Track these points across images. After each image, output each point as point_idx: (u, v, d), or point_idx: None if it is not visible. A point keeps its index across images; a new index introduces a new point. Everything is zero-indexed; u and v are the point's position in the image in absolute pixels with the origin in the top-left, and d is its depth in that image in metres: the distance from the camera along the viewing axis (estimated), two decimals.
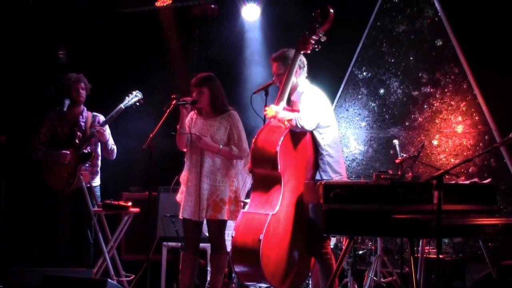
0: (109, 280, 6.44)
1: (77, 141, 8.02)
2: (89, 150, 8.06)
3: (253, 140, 6.72)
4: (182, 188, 7.24)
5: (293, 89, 6.90)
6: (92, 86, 8.27)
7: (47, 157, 8.04)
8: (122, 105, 8.10)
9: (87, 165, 8.08)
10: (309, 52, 6.79)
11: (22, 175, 8.79)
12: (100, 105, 8.45)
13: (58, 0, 9.70)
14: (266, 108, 6.79)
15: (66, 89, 8.13)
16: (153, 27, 9.78)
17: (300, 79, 6.92)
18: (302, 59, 6.90)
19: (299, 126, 6.61)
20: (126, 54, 9.86)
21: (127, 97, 8.14)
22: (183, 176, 7.26)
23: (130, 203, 8.11)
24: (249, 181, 7.36)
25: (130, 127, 8.75)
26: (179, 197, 7.25)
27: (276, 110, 6.70)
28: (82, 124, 8.14)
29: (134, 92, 8.17)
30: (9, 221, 7.83)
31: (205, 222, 7.26)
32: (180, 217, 7.23)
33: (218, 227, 7.13)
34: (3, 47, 9.51)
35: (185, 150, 7.30)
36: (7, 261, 7.60)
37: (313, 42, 6.73)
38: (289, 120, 6.62)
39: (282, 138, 6.55)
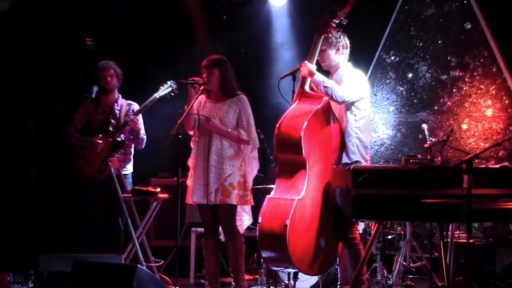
0: (139, 265, 6.46)
1: (110, 128, 8.06)
2: (123, 138, 8.09)
3: (277, 125, 6.68)
4: (191, 172, 7.23)
5: (334, 69, 6.86)
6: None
7: (81, 144, 8.08)
8: (156, 95, 8.10)
9: (119, 152, 8.12)
10: (330, 36, 6.74)
11: (53, 162, 8.84)
12: (127, 92, 8.46)
13: None
14: (302, 64, 6.75)
15: (95, 76, 8.16)
16: (179, 12, 9.76)
17: (341, 59, 6.87)
18: (345, 41, 6.86)
19: (334, 96, 6.55)
20: (153, 40, 9.86)
21: (161, 87, 8.13)
22: (191, 160, 7.25)
23: (159, 189, 8.13)
24: (256, 167, 7.32)
25: (158, 113, 8.75)
26: (189, 181, 7.25)
27: (311, 69, 6.66)
28: (117, 112, 8.17)
29: (168, 82, 8.15)
30: (39, 208, 7.88)
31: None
32: (189, 201, 7.23)
33: (228, 212, 7.12)
34: (31, 35, 9.56)
35: (191, 133, 7.28)
36: (37, 247, 7.65)
37: (334, 25, 6.68)
38: (325, 87, 6.57)
39: (306, 123, 6.51)
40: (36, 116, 7.63)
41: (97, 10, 9.66)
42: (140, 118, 8.17)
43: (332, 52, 6.84)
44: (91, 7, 9.65)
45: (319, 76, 6.66)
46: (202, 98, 7.28)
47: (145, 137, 8.22)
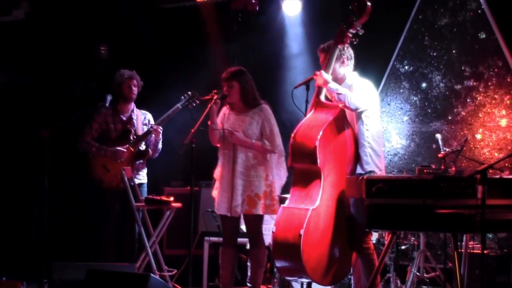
0: (152, 274, 6.46)
1: (131, 138, 8.08)
2: (145, 147, 8.12)
3: (292, 135, 6.69)
4: (217, 184, 7.24)
5: (341, 81, 6.86)
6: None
7: (101, 153, 8.09)
8: (179, 105, 8.16)
9: (141, 162, 8.15)
10: (346, 45, 6.76)
11: (66, 170, 8.86)
12: (140, 100, 8.48)
13: None
14: (317, 73, 6.76)
15: (118, 85, 8.18)
16: (194, 22, 9.79)
17: (347, 70, 6.88)
18: (349, 52, 6.87)
19: (348, 104, 6.56)
20: (167, 50, 9.89)
21: (183, 97, 8.18)
22: (217, 171, 7.26)
23: (172, 198, 8.14)
24: (284, 175, 7.33)
25: (172, 122, 8.77)
26: (215, 193, 7.27)
27: (326, 78, 6.67)
28: (134, 121, 8.21)
29: (190, 93, 8.21)
30: (53, 216, 7.90)
31: (242, 216, 7.27)
32: (217, 211, 7.26)
33: (255, 222, 7.13)
34: (45, 43, 9.60)
35: (218, 145, 7.30)
36: (51, 256, 7.66)
37: (350, 35, 6.69)
38: (339, 94, 6.58)
39: (321, 132, 6.52)
40: (50, 124, 7.66)
41: (112, 18, 9.70)
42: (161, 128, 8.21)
43: (337, 66, 6.85)
44: (106, 16, 9.69)
45: (333, 84, 6.68)
46: (225, 110, 7.31)
47: (160, 146, 8.25)
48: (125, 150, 8.03)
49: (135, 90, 8.20)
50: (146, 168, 8.36)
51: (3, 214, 9.38)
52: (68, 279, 7.14)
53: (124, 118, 8.21)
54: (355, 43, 6.75)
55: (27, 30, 9.69)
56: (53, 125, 7.69)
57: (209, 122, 7.19)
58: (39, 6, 9.73)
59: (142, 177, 8.28)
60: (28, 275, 7.95)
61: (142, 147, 8.18)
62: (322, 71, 6.75)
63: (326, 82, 6.70)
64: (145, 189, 8.30)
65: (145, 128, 8.26)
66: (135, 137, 8.10)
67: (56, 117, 7.99)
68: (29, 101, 9.61)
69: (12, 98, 9.64)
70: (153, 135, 8.17)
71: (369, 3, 6.59)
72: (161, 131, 8.14)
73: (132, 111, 8.26)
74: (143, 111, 8.33)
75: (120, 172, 8.02)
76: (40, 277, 7.49)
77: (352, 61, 6.93)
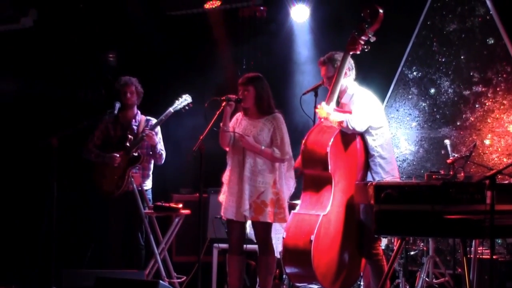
0: (161, 281, 6.47)
1: (127, 144, 8.08)
2: (139, 153, 8.11)
3: (303, 141, 6.70)
4: (225, 188, 7.24)
5: (343, 92, 6.87)
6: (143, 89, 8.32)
7: (100, 160, 8.12)
8: (171, 109, 8.16)
9: (137, 168, 8.14)
10: (358, 53, 6.77)
11: (75, 178, 8.88)
12: (149, 107, 8.50)
13: (107, 4, 9.79)
14: (318, 106, 6.78)
15: (117, 92, 8.20)
16: (202, 29, 9.80)
17: (348, 81, 6.89)
18: (350, 63, 6.88)
19: (351, 128, 6.59)
20: (175, 57, 9.91)
21: (176, 101, 8.20)
22: (226, 176, 7.26)
23: (180, 205, 8.14)
24: (293, 185, 7.33)
25: (180, 129, 8.78)
26: (222, 197, 7.26)
27: (328, 111, 6.68)
28: (135, 127, 8.20)
29: (183, 96, 8.22)
30: (62, 224, 7.91)
31: (249, 223, 7.27)
32: (224, 216, 7.25)
33: (263, 229, 7.11)
34: (54, 51, 9.63)
35: (227, 149, 7.30)
36: (60, 263, 7.68)
37: (362, 42, 6.69)
38: (340, 122, 6.59)
39: (332, 139, 6.53)
40: (59, 132, 7.67)
41: (120, 26, 9.72)
42: (159, 133, 8.19)
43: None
44: (114, 23, 9.71)
45: (334, 116, 6.67)
46: (239, 115, 7.32)
47: (163, 152, 8.23)
48: (117, 155, 8.02)
49: (131, 96, 8.18)
50: (151, 175, 8.33)
51: (12, 221, 9.40)
52: (77, 287, 7.14)
53: (124, 125, 8.21)
54: (366, 50, 6.75)
55: (36, 37, 9.71)
56: (62, 132, 7.71)
57: (221, 124, 7.19)
58: (47, 14, 9.76)
59: (146, 183, 8.26)
60: (38, 283, 7.96)
61: (138, 153, 8.12)
62: (323, 103, 6.75)
63: (328, 115, 6.70)
64: (149, 195, 8.28)
65: None
66: (131, 143, 8.09)
67: (65, 124, 8.00)
68: (37, 108, 9.63)
69: (21, 105, 9.67)
70: (147, 141, 8.13)
71: (381, 11, 6.60)
72: (153, 135, 8.09)
73: (135, 117, 8.24)
74: (148, 117, 8.32)
75: (114, 178, 8.02)
76: (49, 284, 7.50)
77: (354, 71, 6.94)
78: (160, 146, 8.22)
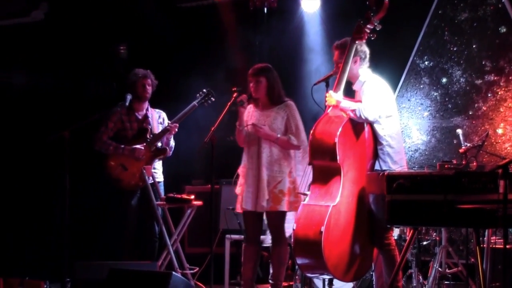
0: (174, 273, 6.47)
1: (148, 136, 8.09)
2: (163, 145, 8.13)
3: (311, 132, 6.69)
4: (241, 180, 7.24)
5: (355, 79, 6.85)
6: None
7: (119, 152, 8.11)
8: (195, 103, 8.22)
9: (157, 160, 8.16)
10: (363, 41, 6.73)
11: (87, 170, 8.89)
12: (159, 99, 8.50)
13: None
14: (326, 95, 6.76)
15: (132, 84, 8.20)
16: (212, 21, 9.80)
17: (361, 69, 6.86)
18: (364, 50, 6.85)
19: (363, 117, 6.56)
20: (186, 49, 9.91)
21: (198, 95, 8.24)
22: (242, 167, 7.27)
23: (192, 196, 8.14)
24: (310, 172, 7.32)
25: (192, 121, 8.78)
26: (238, 189, 7.26)
27: (337, 99, 6.66)
28: (150, 120, 8.22)
29: (205, 90, 8.30)
30: (75, 216, 7.93)
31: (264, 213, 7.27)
32: (238, 210, 7.26)
33: (278, 218, 7.13)
34: (65, 44, 9.64)
35: (243, 146, 7.31)
36: (73, 255, 7.70)
37: (368, 31, 6.65)
38: (352, 111, 6.57)
39: (340, 129, 6.51)
40: (70, 125, 7.68)
41: (130, 18, 9.72)
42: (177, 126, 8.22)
43: (351, 63, 6.82)
44: (124, 16, 9.71)
45: (344, 103, 6.64)
46: (250, 108, 7.32)
47: (173, 144, 8.25)
48: (143, 148, 8.05)
49: (149, 89, 8.21)
50: (161, 167, 8.36)
51: (25, 214, 9.43)
52: (90, 279, 7.15)
53: (140, 117, 8.23)
54: (372, 38, 6.71)
55: (46, 31, 9.72)
56: (74, 125, 7.72)
57: (237, 124, 7.21)
58: (58, 7, 9.77)
59: (158, 175, 8.29)
60: (51, 275, 7.98)
61: (162, 145, 8.18)
62: (331, 92, 6.72)
63: (337, 103, 6.68)
64: (161, 187, 8.30)
65: (160, 127, 8.27)
66: (151, 135, 8.11)
67: (76, 117, 8.01)
68: (49, 102, 9.64)
69: (32, 99, 9.68)
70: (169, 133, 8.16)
71: None
72: (176, 129, 8.15)
73: (147, 109, 8.27)
74: (157, 110, 8.35)
75: (138, 170, 8.04)
76: (62, 276, 7.52)
77: (367, 58, 6.90)
78: (172, 139, 8.26)
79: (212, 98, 8.24)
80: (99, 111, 8.08)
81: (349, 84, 6.86)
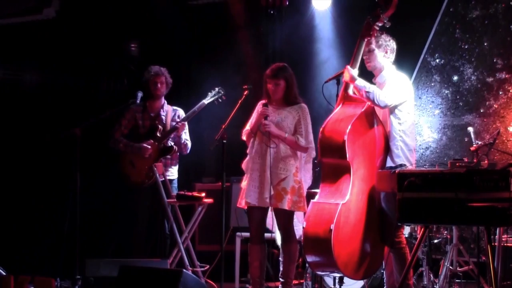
0: (184, 270, 6.48)
1: (158, 134, 8.10)
2: (171, 144, 8.14)
3: (321, 130, 6.69)
4: (246, 174, 7.24)
5: (378, 71, 6.85)
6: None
7: (128, 149, 8.14)
8: (204, 101, 8.22)
9: (168, 157, 8.17)
10: (372, 39, 6.73)
11: (98, 168, 8.91)
12: (171, 96, 8.51)
13: None
14: (344, 70, 6.75)
15: (145, 81, 8.21)
16: (223, 18, 9.79)
17: (386, 62, 6.86)
18: (393, 45, 6.84)
19: (376, 101, 6.56)
20: (197, 46, 9.91)
21: (209, 93, 8.26)
22: (246, 163, 7.26)
23: (203, 194, 8.15)
24: (309, 178, 7.32)
25: (203, 118, 8.78)
26: (243, 184, 7.26)
27: (352, 74, 6.65)
28: (163, 117, 8.23)
29: (216, 89, 8.27)
30: (86, 213, 7.95)
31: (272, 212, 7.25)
32: (241, 204, 7.23)
33: (284, 216, 7.11)
34: (76, 42, 9.65)
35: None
36: (84, 252, 7.71)
37: (377, 28, 6.66)
38: (366, 92, 6.57)
39: (350, 126, 6.51)
40: (82, 122, 7.70)
41: (142, 16, 9.73)
42: (186, 124, 8.22)
43: (380, 54, 6.83)
44: (136, 13, 9.72)
45: (360, 82, 6.66)
46: (262, 103, 7.29)
47: (188, 142, 8.25)
48: (149, 146, 8.05)
49: (161, 87, 8.20)
50: (177, 165, 8.37)
51: (36, 211, 9.45)
52: (101, 276, 7.18)
53: (153, 115, 8.24)
54: (388, 36, 6.73)
55: (58, 28, 9.74)
56: (85, 123, 7.74)
57: (249, 128, 7.21)
58: (69, 4, 9.78)
59: (171, 173, 8.29)
60: (62, 272, 8.00)
61: (170, 143, 8.18)
62: (349, 67, 6.73)
63: (353, 79, 6.69)
64: (175, 185, 8.31)
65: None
66: (161, 133, 8.12)
67: (88, 114, 8.03)
68: (61, 99, 9.66)
69: (44, 96, 9.70)
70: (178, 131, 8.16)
71: None
72: (185, 127, 8.14)
73: (162, 107, 8.27)
74: (174, 107, 8.35)
75: (145, 168, 8.05)
76: (73, 273, 7.55)
77: (393, 55, 6.90)
78: (186, 136, 8.24)
79: (223, 96, 8.24)
80: (111, 108, 8.09)
81: (371, 76, 6.86)
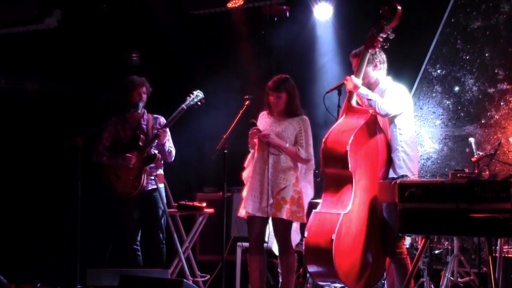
0: (185, 280, 6.48)
1: (140, 143, 8.05)
2: (153, 152, 8.07)
3: (323, 140, 6.69)
4: (246, 184, 7.23)
5: (374, 86, 6.86)
6: (164, 88, 8.31)
7: (112, 161, 8.07)
8: (184, 106, 8.11)
9: (150, 167, 8.09)
10: (378, 49, 6.75)
11: (97, 177, 8.92)
12: (172, 106, 8.50)
13: (130, 4, 9.82)
14: (347, 78, 6.76)
15: (129, 92, 8.12)
16: (225, 28, 9.81)
17: (380, 75, 6.87)
18: (381, 56, 6.86)
19: (377, 109, 6.56)
20: (199, 56, 9.92)
21: (188, 97, 8.15)
22: (246, 172, 7.25)
23: (204, 204, 8.14)
24: (310, 188, 7.31)
25: (203, 128, 8.79)
26: (243, 193, 7.25)
27: (356, 83, 6.66)
28: (144, 126, 8.17)
29: (195, 92, 8.18)
30: (87, 222, 7.95)
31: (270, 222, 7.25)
32: (241, 214, 7.22)
33: (282, 226, 7.09)
34: (78, 51, 9.67)
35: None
36: (85, 262, 7.71)
37: (381, 39, 6.67)
38: (369, 100, 6.58)
39: (352, 137, 6.51)
40: (83, 131, 7.71)
41: (143, 25, 9.75)
42: (167, 131, 8.13)
43: (369, 69, 6.85)
44: (137, 23, 9.74)
45: (363, 90, 6.68)
46: (263, 114, 7.30)
47: (172, 149, 8.15)
48: (132, 156, 7.99)
49: (144, 97, 8.15)
50: (162, 173, 8.29)
51: (37, 220, 9.45)
52: (102, 285, 7.18)
53: (134, 125, 8.17)
54: (386, 47, 6.73)
55: (60, 38, 9.76)
56: (86, 132, 7.74)
57: (249, 147, 7.22)
58: (71, 14, 9.80)
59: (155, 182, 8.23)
60: (63, 281, 7.99)
61: (154, 151, 8.09)
62: (353, 76, 6.75)
63: (356, 87, 6.70)
64: (163, 193, 8.21)
65: None
66: (144, 142, 8.06)
67: (89, 124, 8.03)
68: (62, 108, 9.68)
69: (46, 105, 9.72)
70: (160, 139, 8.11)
71: (399, 7, 6.56)
72: (166, 134, 8.07)
73: (142, 116, 8.20)
74: (155, 115, 8.27)
75: (130, 178, 7.98)
76: (74, 283, 7.54)
77: (385, 65, 6.92)
78: (169, 144, 8.15)
79: (202, 99, 8.17)
80: (111, 117, 8.09)
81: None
